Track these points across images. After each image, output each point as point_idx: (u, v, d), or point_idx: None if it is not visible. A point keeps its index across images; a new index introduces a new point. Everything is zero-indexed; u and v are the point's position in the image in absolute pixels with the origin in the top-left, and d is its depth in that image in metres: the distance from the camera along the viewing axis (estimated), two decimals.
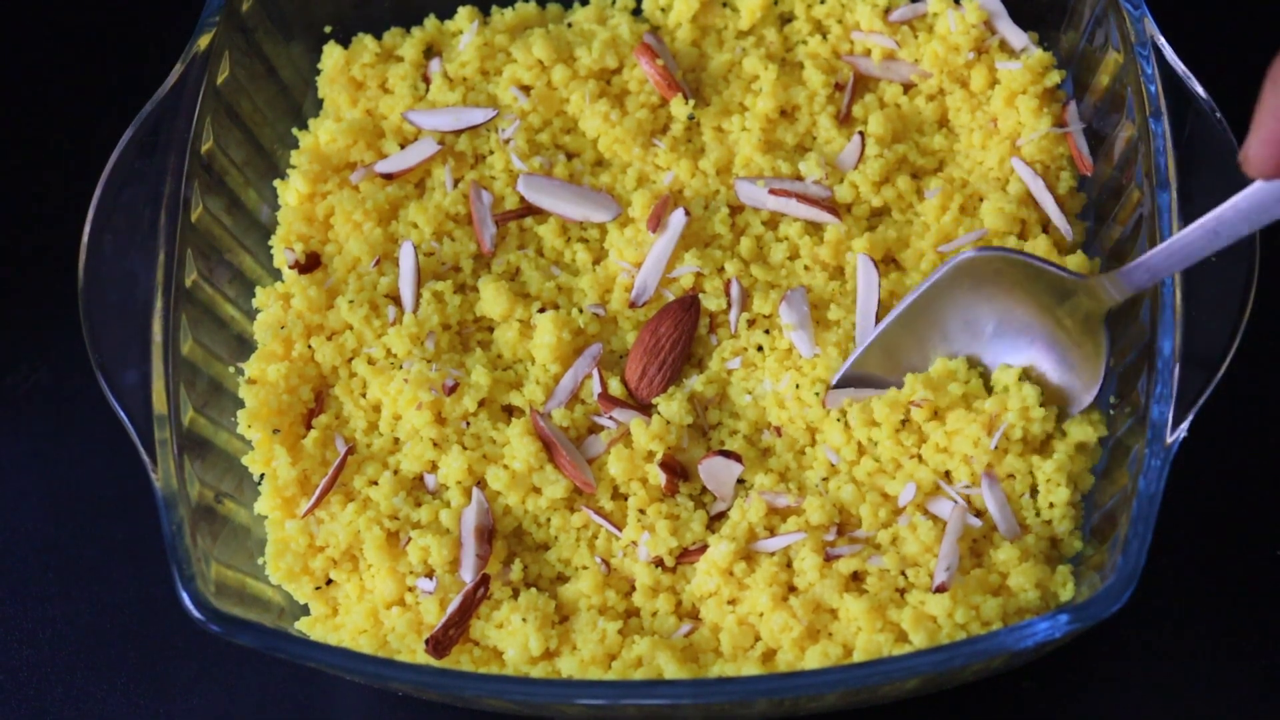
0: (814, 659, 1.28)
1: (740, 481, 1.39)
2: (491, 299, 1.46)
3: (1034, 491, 1.36)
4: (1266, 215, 1.15)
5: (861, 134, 1.51)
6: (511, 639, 1.34)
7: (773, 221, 1.50)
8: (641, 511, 1.37)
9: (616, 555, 1.37)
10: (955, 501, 1.32)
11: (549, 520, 1.40)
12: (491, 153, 1.54)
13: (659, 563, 1.36)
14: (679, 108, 1.53)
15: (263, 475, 1.42)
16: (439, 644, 1.33)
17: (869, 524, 1.34)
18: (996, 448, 1.33)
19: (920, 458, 1.35)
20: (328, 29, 1.62)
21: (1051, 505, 1.35)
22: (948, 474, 1.35)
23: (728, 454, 1.37)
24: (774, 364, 1.43)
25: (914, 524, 1.39)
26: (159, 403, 1.33)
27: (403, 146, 1.55)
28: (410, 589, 1.37)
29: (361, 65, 1.59)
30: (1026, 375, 1.36)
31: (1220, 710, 1.42)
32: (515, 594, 1.37)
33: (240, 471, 1.42)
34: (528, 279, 1.49)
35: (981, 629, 1.28)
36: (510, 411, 1.44)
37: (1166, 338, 1.28)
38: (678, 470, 1.38)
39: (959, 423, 1.34)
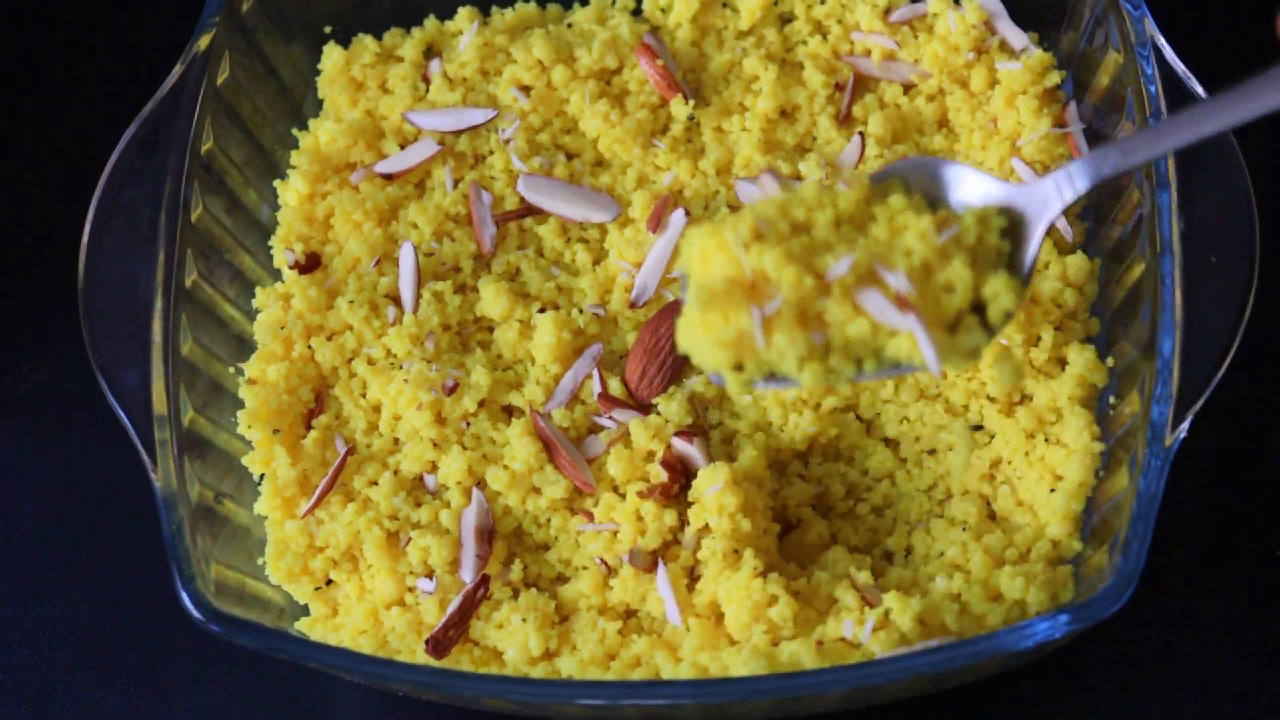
0: (811, 656, 1.27)
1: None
2: (491, 299, 1.46)
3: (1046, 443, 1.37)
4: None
5: (861, 134, 1.51)
6: (511, 639, 1.34)
7: None
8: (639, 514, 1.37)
9: (616, 555, 1.37)
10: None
11: (549, 520, 1.40)
12: (491, 153, 1.54)
13: (657, 562, 1.36)
14: (679, 108, 1.53)
15: (263, 475, 1.42)
16: (439, 644, 1.33)
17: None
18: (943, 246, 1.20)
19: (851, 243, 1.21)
20: (328, 29, 1.62)
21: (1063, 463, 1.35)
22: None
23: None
24: None
25: (929, 528, 1.39)
26: (159, 403, 1.33)
27: (403, 147, 1.55)
28: (410, 589, 1.37)
29: (361, 65, 1.59)
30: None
31: (1220, 710, 1.42)
32: (515, 594, 1.37)
33: (240, 472, 1.42)
34: (528, 279, 1.49)
35: (981, 629, 1.28)
36: (510, 412, 1.45)
37: (1166, 338, 1.28)
38: (679, 469, 1.38)
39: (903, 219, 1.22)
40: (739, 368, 1.18)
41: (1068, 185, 1.21)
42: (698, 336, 1.17)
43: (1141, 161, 1.18)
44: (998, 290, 1.18)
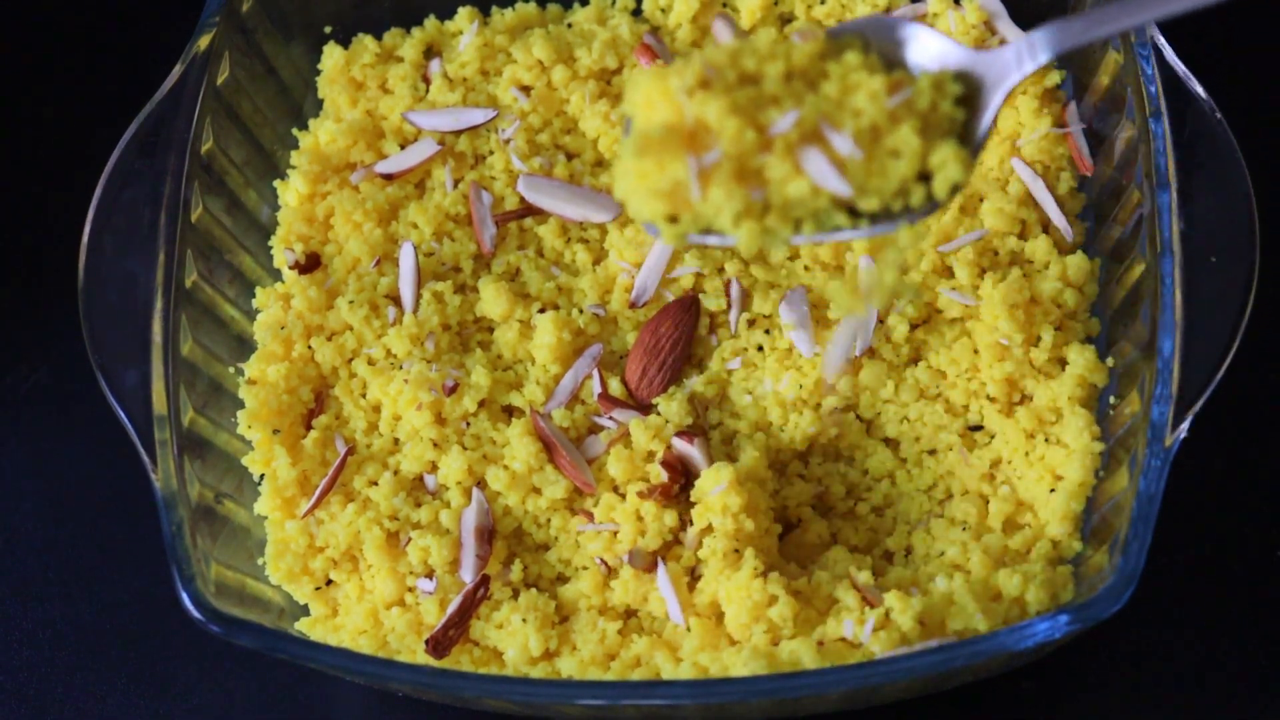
0: (810, 656, 1.27)
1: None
2: (491, 299, 1.46)
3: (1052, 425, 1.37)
4: None
5: None
6: (511, 639, 1.34)
7: None
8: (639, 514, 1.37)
9: (616, 556, 1.37)
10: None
11: (549, 520, 1.40)
12: (491, 153, 1.54)
13: (657, 563, 1.36)
14: None
15: (263, 476, 1.42)
16: (439, 644, 1.33)
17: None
18: (894, 110, 1.14)
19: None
20: (328, 29, 1.62)
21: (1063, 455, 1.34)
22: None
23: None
24: (774, 364, 1.43)
25: (929, 528, 1.39)
26: (159, 403, 1.33)
27: (403, 147, 1.55)
28: (410, 589, 1.37)
29: (361, 66, 1.59)
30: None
31: (1220, 710, 1.42)
32: (515, 594, 1.37)
33: (240, 472, 1.42)
34: (528, 279, 1.49)
35: (981, 629, 1.28)
36: (510, 412, 1.45)
37: (1166, 338, 1.28)
38: (679, 470, 1.38)
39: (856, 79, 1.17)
40: (674, 220, 1.14)
41: (1028, 54, 1.16)
42: (633, 183, 1.14)
43: (1106, 33, 1.13)
44: (946, 159, 1.13)
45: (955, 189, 1.14)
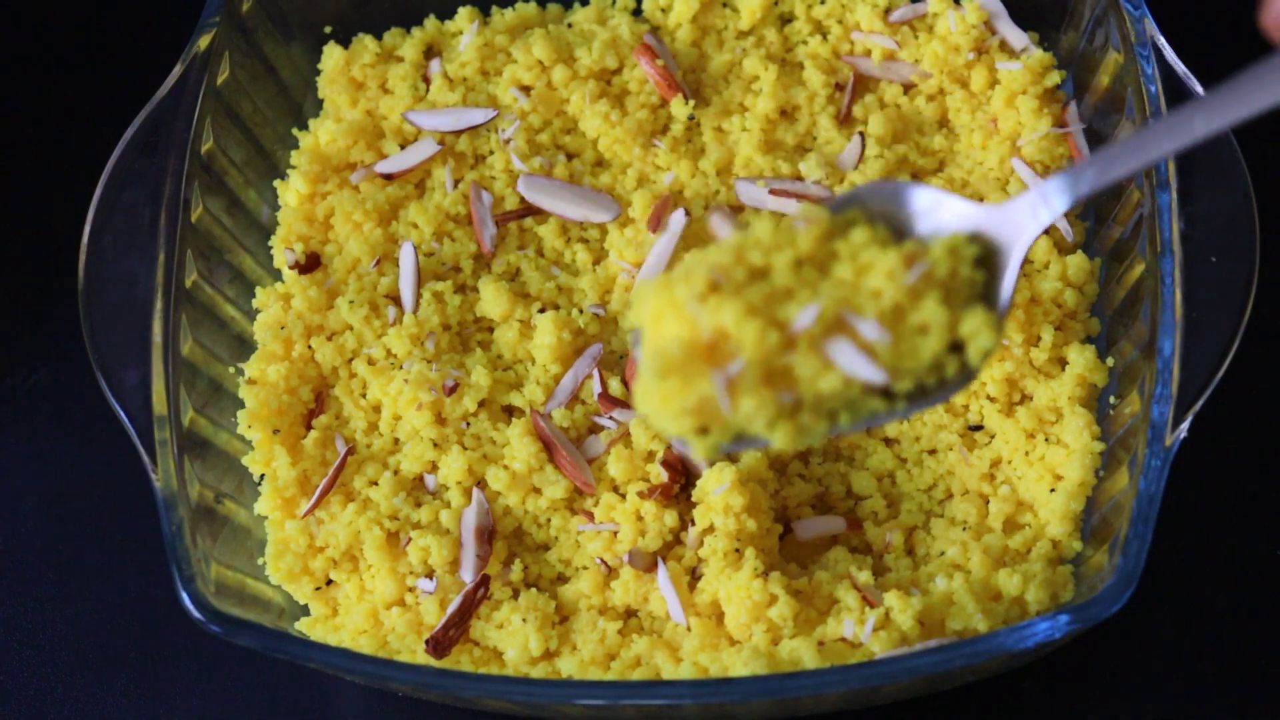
0: (811, 656, 1.27)
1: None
2: (491, 299, 1.46)
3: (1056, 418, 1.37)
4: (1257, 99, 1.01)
5: (862, 134, 1.51)
6: (511, 639, 1.34)
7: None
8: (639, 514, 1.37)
9: (616, 555, 1.37)
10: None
11: (549, 520, 1.40)
12: (491, 153, 1.54)
13: (657, 563, 1.36)
14: (679, 108, 1.53)
15: (263, 476, 1.42)
16: (439, 644, 1.33)
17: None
18: (912, 286, 1.09)
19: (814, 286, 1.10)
20: (328, 29, 1.62)
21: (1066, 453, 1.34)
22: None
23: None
24: None
25: (929, 528, 1.39)
26: (159, 403, 1.33)
27: (403, 147, 1.55)
28: (410, 589, 1.37)
29: (362, 66, 1.59)
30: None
31: (1220, 710, 1.42)
32: (515, 594, 1.37)
33: (240, 472, 1.42)
34: (528, 279, 1.49)
35: (982, 629, 1.28)
36: (510, 412, 1.45)
37: (1166, 338, 1.28)
38: (679, 470, 1.38)
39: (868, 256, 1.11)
40: (703, 431, 1.08)
41: (1043, 207, 1.11)
42: (657, 405, 1.07)
43: (1119, 176, 1.09)
44: (976, 328, 1.08)
45: (988, 354, 1.09)
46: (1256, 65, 1.01)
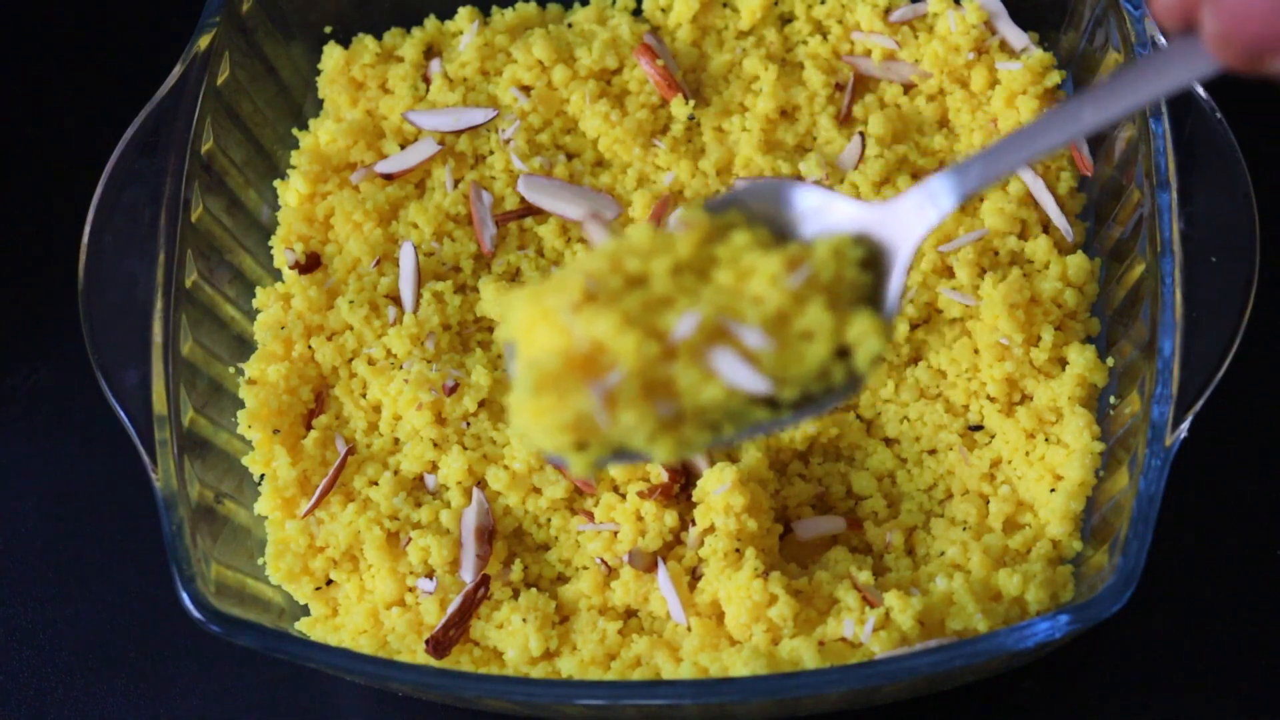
0: (811, 656, 1.28)
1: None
2: (492, 299, 1.46)
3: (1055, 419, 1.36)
4: (1151, 86, 0.97)
5: (862, 134, 1.51)
6: (511, 639, 1.34)
7: None
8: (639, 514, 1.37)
9: (616, 556, 1.37)
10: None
11: (549, 520, 1.40)
12: (492, 153, 1.54)
13: (657, 563, 1.36)
14: (679, 108, 1.53)
15: (263, 476, 1.42)
16: (439, 644, 1.33)
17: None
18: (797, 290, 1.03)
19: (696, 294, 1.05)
20: (328, 29, 1.62)
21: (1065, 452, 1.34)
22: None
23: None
24: None
25: (929, 528, 1.39)
26: (159, 403, 1.33)
27: (403, 147, 1.55)
28: (410, 589, 1.37)
29: (362, 66, 1.59)
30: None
31: (1220, 710, 1.42)
32: (515, 594, 1.37)
33: (240, 472, 1.42)
34: (528, 279, 1.49)
35: (982, 629, 1.28)
36: None
37: (1166, 338, 1.28)
38: (679, 469, 1.38)
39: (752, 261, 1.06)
40: (581, 446, 1.03)
41: (930, 204, 1.05)
42: (531, 421, 1.01)
43: (1008, 170, 1.03)
44: (863, 333, 1.02)
45: (877, 360, 1.04)
46: (1148, 55, 0.99)
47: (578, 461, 1.03)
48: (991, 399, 1.42)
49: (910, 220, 1.05)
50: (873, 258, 1.06)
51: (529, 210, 1.52)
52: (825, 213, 1.07)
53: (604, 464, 1.04)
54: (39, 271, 1.67)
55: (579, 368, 1.00)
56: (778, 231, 1.07)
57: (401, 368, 1.44)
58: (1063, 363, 1.41)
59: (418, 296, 1.47)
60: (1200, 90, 1.37)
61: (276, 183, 1.54)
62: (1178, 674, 1.43)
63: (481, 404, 1.43)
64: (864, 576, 1.32)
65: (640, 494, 1.37)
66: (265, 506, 1.40)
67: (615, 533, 1.37)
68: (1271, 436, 1.51)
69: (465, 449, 1.41)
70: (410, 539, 1.37)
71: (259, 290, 1.49)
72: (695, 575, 1.36)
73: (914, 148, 1.52)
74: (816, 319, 1.01)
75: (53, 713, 1.47)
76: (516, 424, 1.02)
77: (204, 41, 1.47)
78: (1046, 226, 1.48)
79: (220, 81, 1.49)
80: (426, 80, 1.59)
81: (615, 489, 1.40)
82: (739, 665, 1.27)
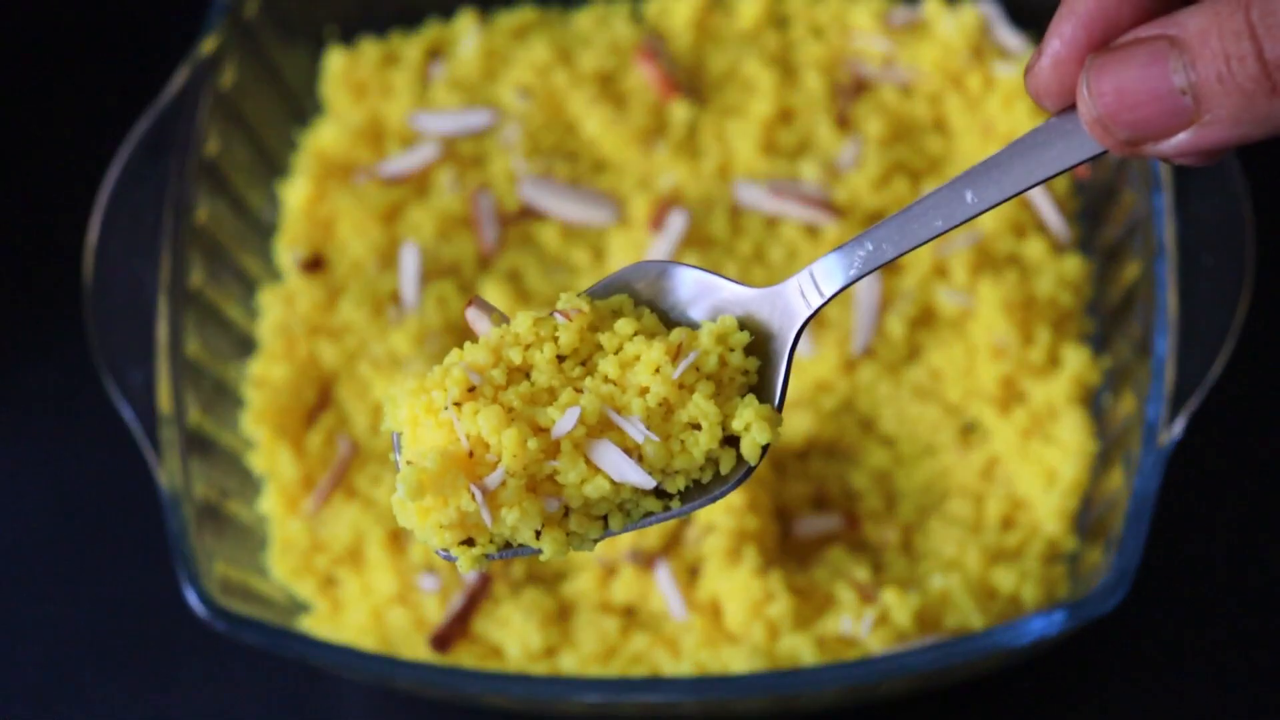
0: (809, 653, 1.28)
1: None
2: (493, 300, 1.47)
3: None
4: (1031, 174, 0.92)
5: (860, 137, 1.52)
6: (513, 636, 1.35)
7: (772, 223, 1.51)
8: None
9: (616, 554, 1.38)
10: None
11: None
12: (493, 155, 1.55)
13: (658, 559, 1.37)
14: (679, 110, 1.54)
15: (267, 474, 1.43)
16: (441, 641, 1.34)
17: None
18: (680, 379, 1.01)
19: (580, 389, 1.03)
20: (331, 32, 1.63)
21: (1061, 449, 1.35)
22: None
23: None
24: None
25: (926, 527, 1.40)
26: (164, 403, 1.34)
27: (405, 149, 1.56)
28: (413, 587, 1.38)
29: (364, 68, 1.59)
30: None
31: (1220, 710, 1.42)
32: (517, 591, 1.38)
33: (244, 471, 1.43)
34: (529, 280, 1.50)
35: (977, 626, 1.29)
36: None
37: (1161, 337, 1.28)
38: None
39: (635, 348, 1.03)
40: (469, 542, 1.00)
41: (813, 291, 1.01)
42: (415, 521, 0.98)
43: (893, 258, 0.99)
44: (749, 422, 0.99)
45: (765, 449, 1.01)
46: (1032, 134, 0.95)
47: (465, 558, 1.00)
48: (988, 399, 1.42)
49: (794, 305, 1.02)
50: (761, 342, 1.03)
51: (530, 212, 1.52)
52: (712, 295, 1.05)
53: (493, 558, 1.01)
54: (42, 272, 1.68)
55: (462, 466, 0.98)
56: (666, 315, 1.05)
57: (404, 368, 1.45)
58: (1058, 362, 1.42)
59: (420, 297, 1.48)
60: None
61: (280, 184, 1.55)
62: (1175, 672, 1.43)
63: None
64: (862, 574, 1.33)
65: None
66: (269, 505, 1.41)
67: None
68: (1272, 436, 1.52)
69: None
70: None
71: (262, 291, 1.50)
72: (694, 573, 1.37)
73: (912, 149, 1.53)
74: (701, 410, 0.99)
75: (56, 711, 1.48)
76: (401, 519, 0.99)
77: (208, 45, 1.47)
78: (1042, 227, 1.48)
79: (224, 85, 1.50)
80: (428, 83, 1.60)
81: None
82: (738, 662, 1.28)
